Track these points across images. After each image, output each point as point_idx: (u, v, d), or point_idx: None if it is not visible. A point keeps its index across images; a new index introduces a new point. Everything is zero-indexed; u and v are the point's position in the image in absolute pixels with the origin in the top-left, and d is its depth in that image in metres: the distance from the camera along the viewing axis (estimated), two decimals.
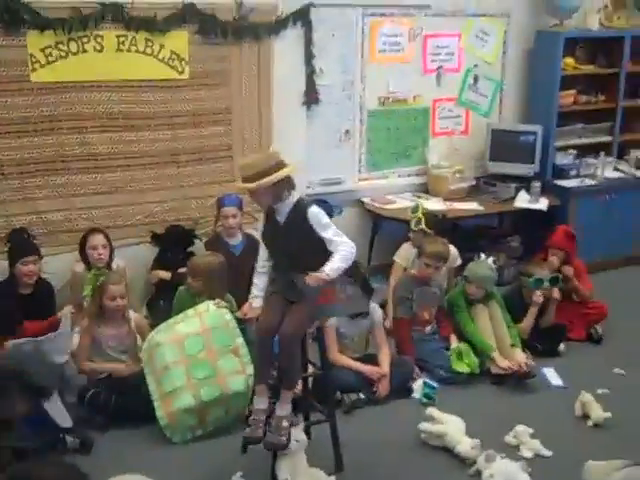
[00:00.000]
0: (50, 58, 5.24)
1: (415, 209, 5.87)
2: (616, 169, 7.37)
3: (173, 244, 5.70)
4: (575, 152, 7.25)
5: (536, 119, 7.09)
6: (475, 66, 7.05)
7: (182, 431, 4.44)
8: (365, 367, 4.90)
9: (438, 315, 5.41)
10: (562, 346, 5.59)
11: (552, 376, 5.22)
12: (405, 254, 5.88)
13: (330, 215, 5.27)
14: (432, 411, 4.46)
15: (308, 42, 6.16)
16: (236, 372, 4.54)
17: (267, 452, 3.92)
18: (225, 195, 5.67)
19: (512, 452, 4.27)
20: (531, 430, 4.42)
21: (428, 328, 5.35)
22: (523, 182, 6.88)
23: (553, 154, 7.12)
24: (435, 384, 4.93)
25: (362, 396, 4.80)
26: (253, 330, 4.21)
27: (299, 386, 4.26)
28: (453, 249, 5.72)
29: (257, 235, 4.42)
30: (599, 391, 4.91)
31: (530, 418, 4.56)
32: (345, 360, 4.90)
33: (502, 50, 7.14)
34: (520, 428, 4.42)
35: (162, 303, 5.42)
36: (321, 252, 3.80)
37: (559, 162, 7.18)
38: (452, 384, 5.07)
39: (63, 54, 5.27)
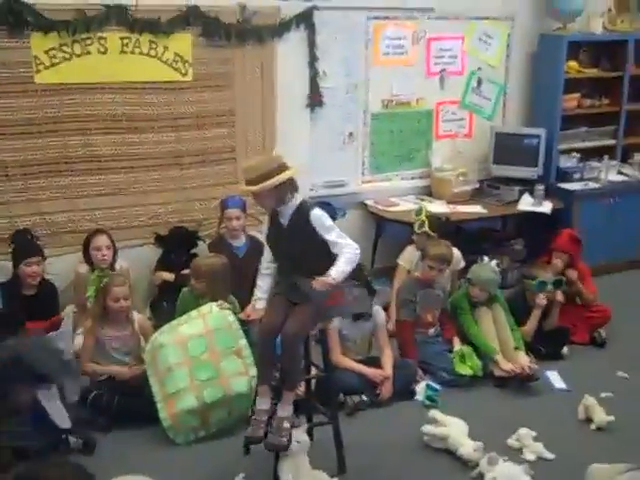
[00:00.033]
0: (54, 60, 5.26)
1: (419, 212, 5.88)
2: (620, 172, 7.37)
3: (176, 246, 5.70)
4: (579, 155, 7.24)
5: (540, 122, 7.08)
6: (479, 69, 7.05)
7: (185, 432, 4.44)
8: (368, 369, 4.90)
9: (441, 318, 5.40)
10: (566, 349, 5.58)
11: (555, 379, 5.21)
12: (409, 257, 5.89)
13: (333, 217, 5.30)
14: (435, 413, 4.45)
15: (311, 45, 6.16)
16: (239, 373, 4.54)
17: (269, 453, 3.92)
18: (229, 197, 5.68)
19: (515, 455, 4.26)
20: (534, 433, 4.41)
21: (431, 330, 5.35)
22: (527, 185, 6.88)
23: (557, 157, 7.12)
24: (438, 386, 4.92)
25: (365, 398, 4.80)
26: (256, 332, 4.21)
27: (302, 388, 4.27)
28: (456, 252, 5.72)
29: (261, 237, 4.43)
30: (602, 395, 4.89)
31: (533, 421, 4.55)
32: (348, 362, 4.90)
33: (506, 53, 7.13)
34: (523, 431, 4.41)
35: (165, 304, 5.43)
36: (324, 254, 3.80)
37: (563, 165, 7.17)
38: (455, 387, 5.06)
39: (67, 56, 5.29)
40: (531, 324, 5.49)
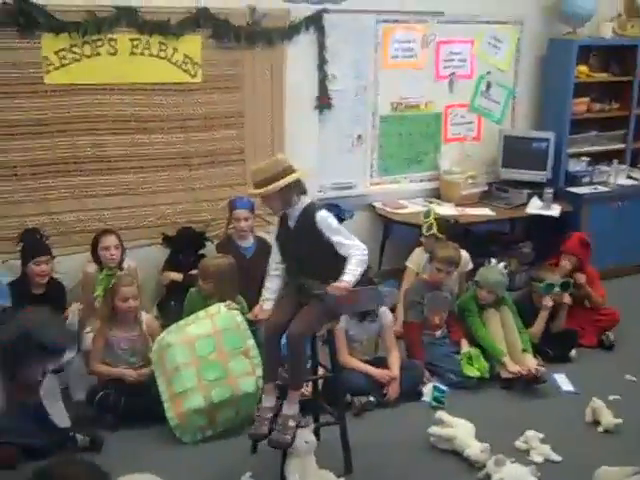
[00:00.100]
0: (64, 61, 5.27)
1: (427, 214, 5.88)
2: (629, 177, 7.36)
3: (184, 246, 5.71)
4: (588, 159, 7.24)
5: (549, 126, 7.08)
6: (488, 73, 7.05)
7: (192, 431, 4.45)
8: (375, 370, 4.90)
9: (449, 320, 5.40)
10: (573, 352, 5.57)
11: (563, 382, 5.20)
12: (417, 259, 5.89)
13: (341, 219, 5.31)
14: (442, 415, 4.45)
15: (321, 47, 6.17)
16: (247, 374, 4.54)
17: (276, 453, 3.92)
18: (237, 198, 5.69)
19: (522, 457, 4.25)
20: (541, 435, 4.40)
21: (438, 332, 5.35)
22: (535, 188, 6.87)
23: (566, 161, 7.12)
24: (445, 388, 4.92)
25: (372, 399, 4.80)
26: (263, 332, 4.22)
27: (309, 388, 4.28)
28: (464, 253, 5.72)
29: (268, 238, 4.44)
30: (610, 397, 4.88)
31: (540, 423, 4.54)
32: (355, 363, 4.90)
33: (515, 57, 7.14)
34: (530, 433, 4.41)
35: (173, 304, 5.43)
36: (331, 256, 3.81)
37: (572, 169, 7.17)
38: (462, 388, 5.06)
39: (77, 57, 5.30)
40: (538, 326, 5.47)
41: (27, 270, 5.04)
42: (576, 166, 7.20)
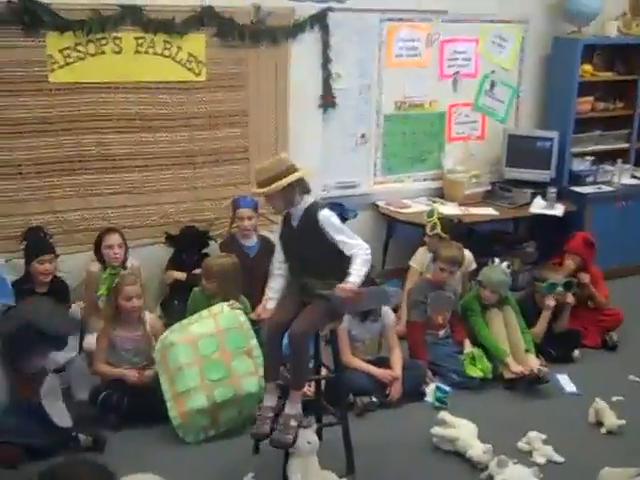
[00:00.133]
0: (68, 59, 5.27)
1: (431, 214, 5.88)
2: (633, 176, 7.34)
3: (188, 245, 5.71)
4: (592, 158, 7.23)
5: (553, 125, 7.07)
6: (492, 72, 7.04)
7: (195, 431, 4.45)
8: (377, 370, 4.90)
9: (452, 319, 5.40)
10: (577, 352, 5.56)
11: (566, 382, 5.20)
12: (420, 258, 5.89)
13: (345, 218, 5.31)
14: (444, 415, 4.45)
15: (325, 46, 6.17)
16: (250, 373, 4.55)
17: (279, 453, 3.92)
18: (241, 197, 5.69)
19: (524, 458, 4.25)
20: (544, 436, 4.40)
21: (442, 332, 5.35)
22: (539, 188, 6.86)
23: (570, 160, 7.10)
24: (448, 388, 4.92)
25: (374, 399, 4.80)
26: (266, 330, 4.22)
27: (311, 388, 4.28)
28: (468, 253, 5.72)
29: (272, 237, 4.43)
30: (614, 398, 4.87)
31: (543, 424, 4.54)
32: (358, 362, 4.90)
33: (519, 56, 7.13)
34: (533, 434, 4.41)
35: (176, 303, 5.44)
36: (334, 255, 3.81)
37: (576, 168, 7.16)
38: (465, 388, 5.06)
39: (82, 55, 5.30)
40: (540, 326, 5.47)
41: (31, 269, 5.05)
42: (580, 165, 7.19)
